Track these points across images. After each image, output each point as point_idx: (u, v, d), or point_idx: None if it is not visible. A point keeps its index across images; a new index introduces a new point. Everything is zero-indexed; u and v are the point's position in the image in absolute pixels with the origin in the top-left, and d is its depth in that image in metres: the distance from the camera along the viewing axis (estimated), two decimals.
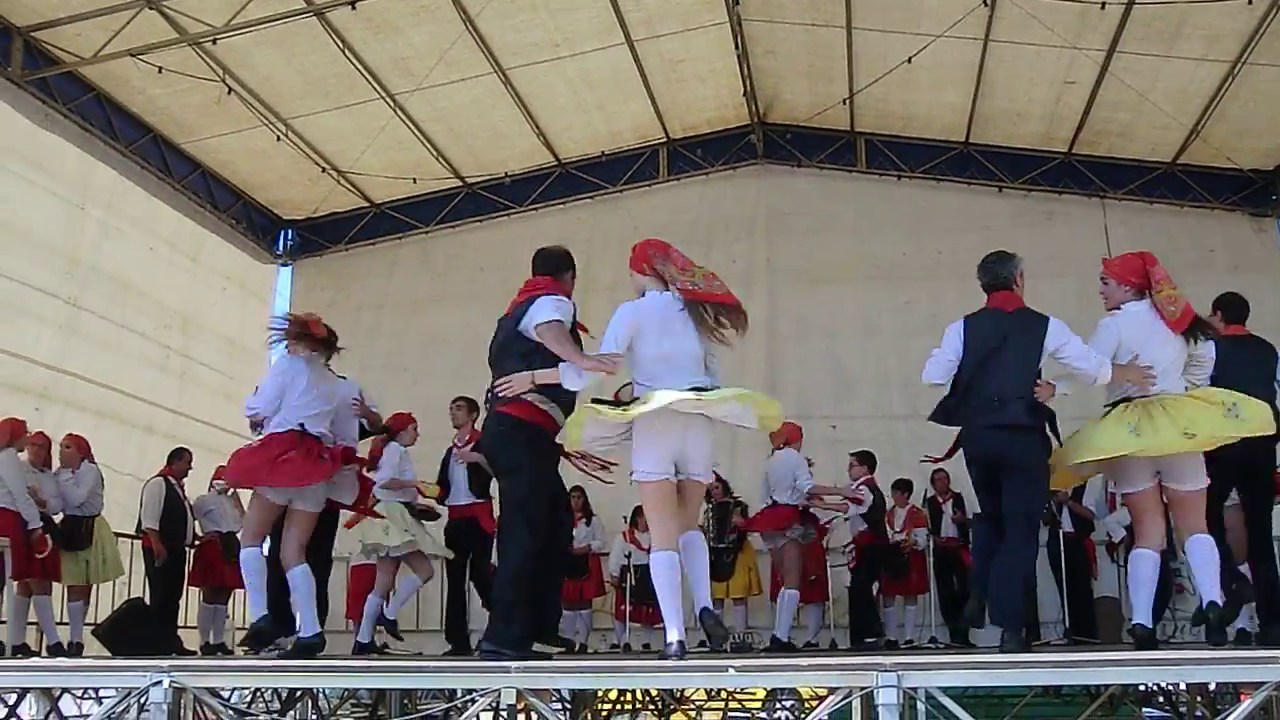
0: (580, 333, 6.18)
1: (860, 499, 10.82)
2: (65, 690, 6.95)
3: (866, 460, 11.08)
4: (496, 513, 7.38)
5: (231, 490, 10.60)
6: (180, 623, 10.64)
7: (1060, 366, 6.25)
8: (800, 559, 10.30)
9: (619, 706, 11.19)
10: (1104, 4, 10.70)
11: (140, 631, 9.53)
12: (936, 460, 7.09)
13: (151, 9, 10.50)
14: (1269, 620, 6.96)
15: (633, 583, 11.89)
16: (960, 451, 6.48)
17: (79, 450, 9.90)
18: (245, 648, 8.35)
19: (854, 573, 11.14)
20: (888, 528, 11.94)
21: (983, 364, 6.29)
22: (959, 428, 6.43)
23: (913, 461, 11.37)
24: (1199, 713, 8.27)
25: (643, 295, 5.96)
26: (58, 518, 9.63)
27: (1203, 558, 6.23)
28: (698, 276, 5.83)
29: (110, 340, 11.96)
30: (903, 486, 11.65)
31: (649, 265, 5.93)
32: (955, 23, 11.26)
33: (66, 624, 9.74)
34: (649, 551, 11.98)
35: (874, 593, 11.71)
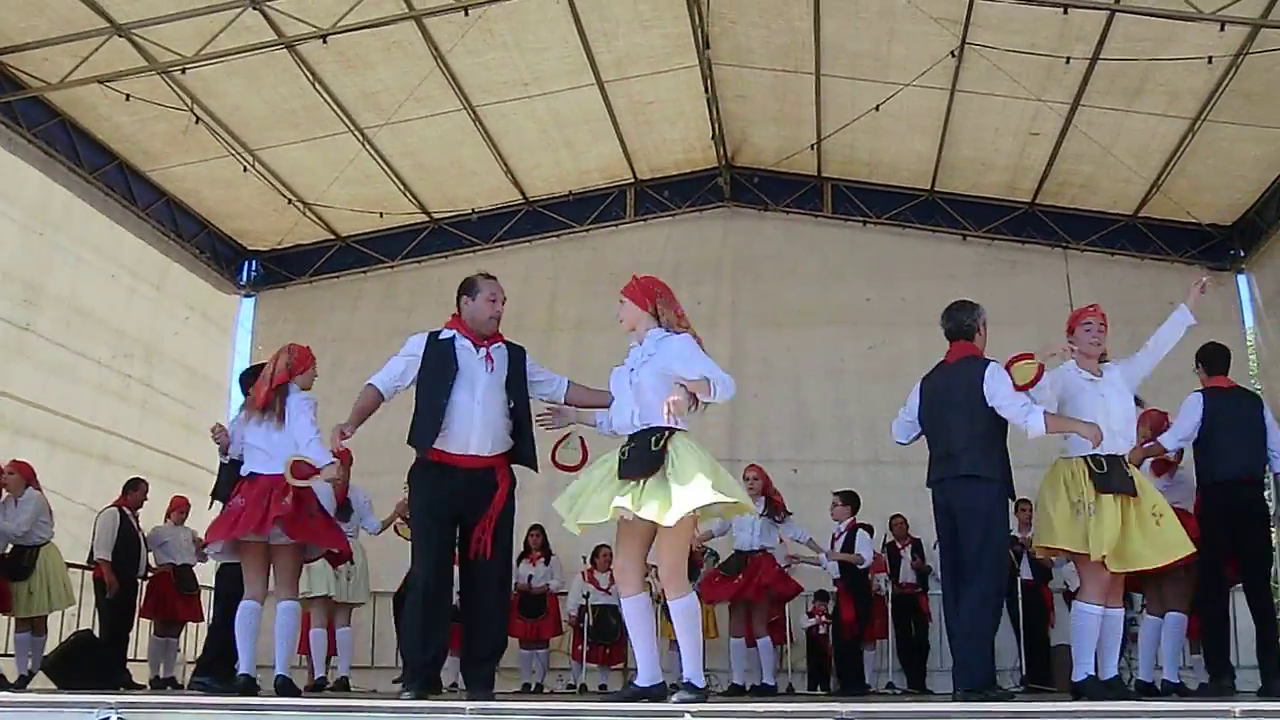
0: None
1: (860, 560, 10.75)
2: None
3: (850, 500, 10.94)
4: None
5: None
6: (130, 655, 10.49)
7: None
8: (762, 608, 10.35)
9: None
10: (1069, 59, 10.83)
11: (89, 664, 9.38)
12: None
13: (120, 37, 10.44)
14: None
15: (590, 623, 11.83)
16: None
17: (23, 477, 9.73)
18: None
19: (842, 622, 11.06)
20: None
21: (936, 419, 6.41)
22: None
23: (874, 506, 11.41)
24: None
25: (632, 330, 5.65)
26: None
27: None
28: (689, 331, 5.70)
29: (66, 367, 11.81)
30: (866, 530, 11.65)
31: (652, 303, 5.60)
32: (923, 72, 11.38)
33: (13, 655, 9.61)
34: (607, 592, 12.08)
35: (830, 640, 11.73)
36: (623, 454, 5.35)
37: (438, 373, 6.05)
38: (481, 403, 6.00)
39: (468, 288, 6.24)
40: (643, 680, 5.43)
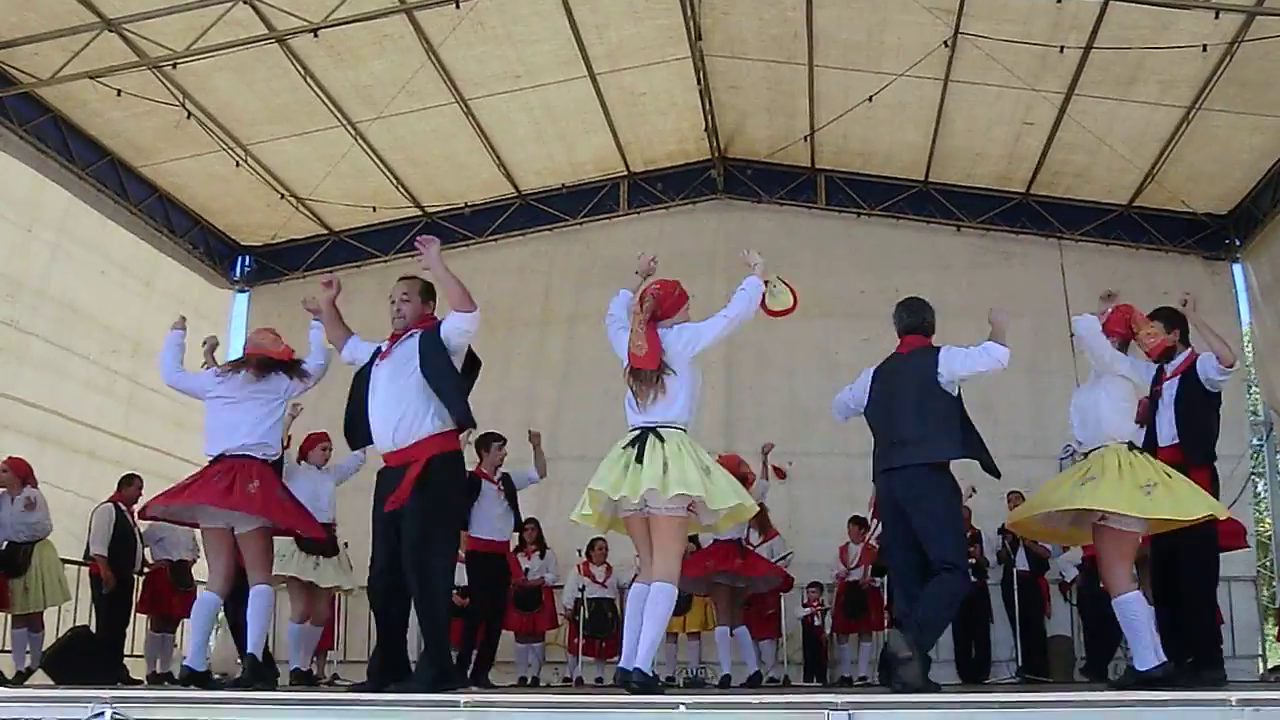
0: None
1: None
2: None
3: (859, 521, 11.45)
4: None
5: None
6: (127, 651, 10.48)
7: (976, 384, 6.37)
8: (732, 599, 10.30)
9: None
10: (1062, 48, 10.82)
11: (85, 660, 9.37)
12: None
13: (111, 32, 10.41)
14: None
15: (586, 616, 11.83)
16: None
17: (17, 474, 9.75)
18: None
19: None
20: (842, 564, 11.99)
21: (885, 409, 6.40)
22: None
23: (867, 498, 11.40)
24: None
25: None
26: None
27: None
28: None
29: (54, 363, 11.78)
30: (859, 523, 11.65)
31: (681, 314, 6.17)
32: (916, 63, 11.36)
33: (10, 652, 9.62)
34: (603, 585, 12.08)
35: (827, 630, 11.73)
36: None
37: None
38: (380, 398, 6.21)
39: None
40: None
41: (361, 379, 6.38)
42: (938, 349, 6.34)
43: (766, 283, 6.13)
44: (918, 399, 6.26)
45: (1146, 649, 6.21)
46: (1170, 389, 7.06)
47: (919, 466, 6.18)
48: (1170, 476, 6.30)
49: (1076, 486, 6.40)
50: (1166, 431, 7.01)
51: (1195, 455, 6.85)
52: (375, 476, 6.28)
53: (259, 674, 6.75)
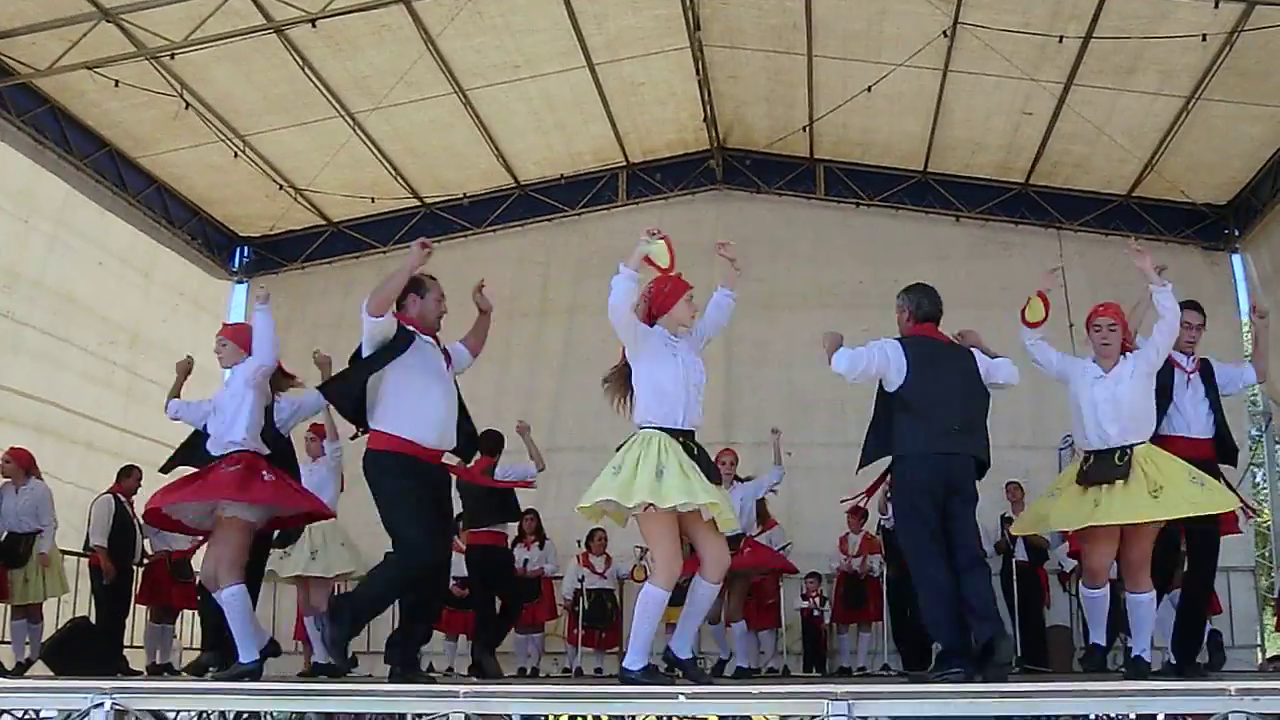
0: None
1: None
2: (4, 712, 6.81)
3: (858, 512, 11.44)
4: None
5: None
6: (126, 642, 10.49)
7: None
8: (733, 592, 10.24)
9: None
10: (1062, 37, 10.80)
11: (85, 651, 9.39)
12: (855, 499, 7.24)
13: (109, 22, 10.38)
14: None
15: (585, 606, 11.84)
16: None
17: (20, 464, 9.75)
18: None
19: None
20: (842, 554, 11.99)
21: (940, 392, 6.20)
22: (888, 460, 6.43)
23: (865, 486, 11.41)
24: None
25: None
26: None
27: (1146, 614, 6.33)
28: None
29: (51, 354, 11.78)
30: (858, 513, 11.64)
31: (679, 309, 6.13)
32: (915, 52, 11.35)
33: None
34: (603, 575, 12.08)
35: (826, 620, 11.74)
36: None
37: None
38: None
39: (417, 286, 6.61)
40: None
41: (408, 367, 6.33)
42: (971, 351, 6.33)
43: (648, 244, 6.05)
44: (969, 390, 6.24)
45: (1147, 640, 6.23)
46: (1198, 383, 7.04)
47: (969, 457, 6.17)
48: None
49: (1145, 495, 6.27)
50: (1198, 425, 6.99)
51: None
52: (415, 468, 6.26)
53: (213, 663, 6.70)
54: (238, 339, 7.18)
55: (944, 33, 11.07)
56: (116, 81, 11.08)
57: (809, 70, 12.37)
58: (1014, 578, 11.06)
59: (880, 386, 6.36)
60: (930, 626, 6.30)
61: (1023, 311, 6.63)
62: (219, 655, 7.41)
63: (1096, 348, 6.58)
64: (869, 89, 11.96)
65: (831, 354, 6.32)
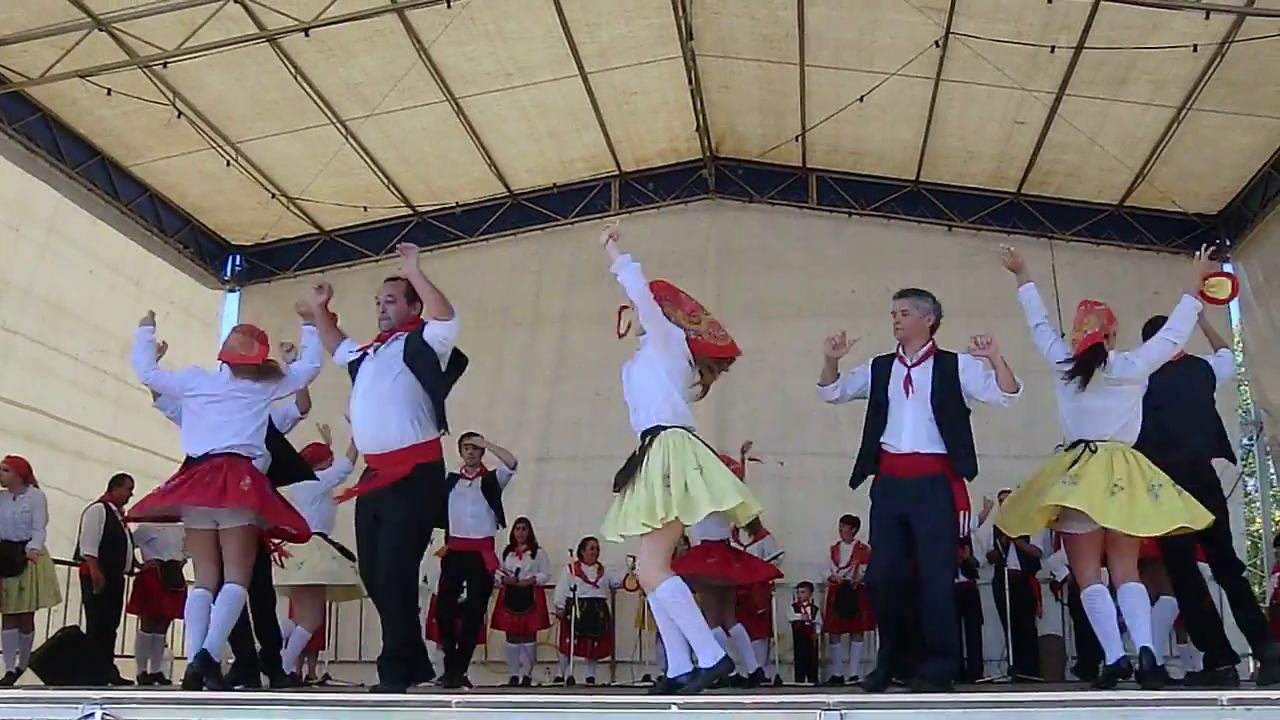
0: None
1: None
2: None
3: (850, 521, 11.41)
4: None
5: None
6: (117, 652, 10.45)
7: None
8: (720, 599, 10.20)
9: None
10: (1054, 47, 10.83)
11: (76, 660, 9.36)
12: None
13: (101, 30, 10.36)
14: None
15: (578, 615, 11.82)
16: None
17: (18, 473, 9.74)
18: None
19: None
20: (833, 564, 11.99)
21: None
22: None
23: (860, 497, 11.39)
24: None
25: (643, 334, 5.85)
26: None
27: (1137, 604, 6.29)
28: (704, 324, 5.84)
29: (42, 363, 11.74)
30: (850, 522, 11.65)
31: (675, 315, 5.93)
32: (908, 62, 11.37)
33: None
34: (595, 584, 12.07)
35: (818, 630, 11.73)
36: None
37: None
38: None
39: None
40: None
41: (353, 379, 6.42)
42: (954, 356, 6.54)
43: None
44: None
45: (1148, 635, 6.22)
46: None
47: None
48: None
49: (1147, 496, 6.25)
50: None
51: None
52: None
53: (208, 671, 6.57)
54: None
55: (936, 43, 11.09)
56: (109, 90, 11.07)
57: (801, 80, 12.38)
58: (1006, 587, 11.06)
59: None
60: (945, 632, 6.35)
61: (1209, 289, 6.64)
62: (245, 671, 7.38)
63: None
64: (861, 99, 11.98)
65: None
